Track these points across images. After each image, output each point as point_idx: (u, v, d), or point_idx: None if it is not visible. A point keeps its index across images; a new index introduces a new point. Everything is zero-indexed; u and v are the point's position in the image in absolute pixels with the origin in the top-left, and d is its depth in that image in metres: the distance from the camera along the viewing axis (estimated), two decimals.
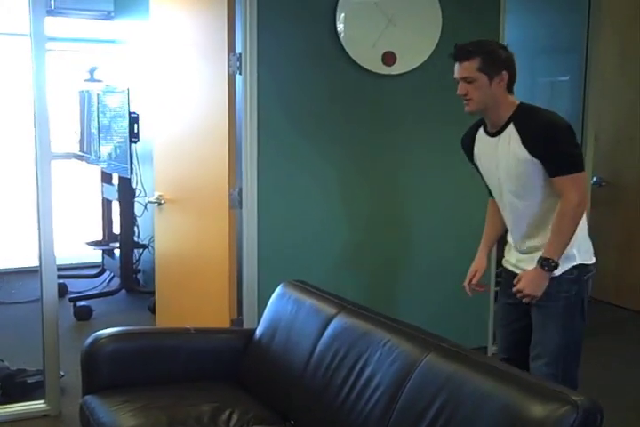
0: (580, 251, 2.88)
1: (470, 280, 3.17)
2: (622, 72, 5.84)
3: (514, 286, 2.90)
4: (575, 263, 2.86)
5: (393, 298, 4.26)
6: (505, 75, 2.83)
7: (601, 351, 4.81)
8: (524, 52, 5.97)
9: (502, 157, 2.88)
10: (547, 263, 2.78)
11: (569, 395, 1.95)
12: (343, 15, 3.99)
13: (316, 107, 4.06)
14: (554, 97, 6.02)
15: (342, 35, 4.00)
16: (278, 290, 3.20)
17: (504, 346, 3.18)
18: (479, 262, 3.19)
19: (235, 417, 2.77)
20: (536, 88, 6.26)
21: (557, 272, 2.83)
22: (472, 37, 4.29)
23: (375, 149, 4.23)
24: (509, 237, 3.08)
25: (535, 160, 2.78)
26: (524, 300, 2.85)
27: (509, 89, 2.87)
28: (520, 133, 2.80)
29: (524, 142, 2.78)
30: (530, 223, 2.91)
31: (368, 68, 4.09)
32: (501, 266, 3.16)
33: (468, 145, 3.09)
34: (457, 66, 2.86)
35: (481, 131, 3.01)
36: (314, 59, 4.02)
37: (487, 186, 3.11)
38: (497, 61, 2.83)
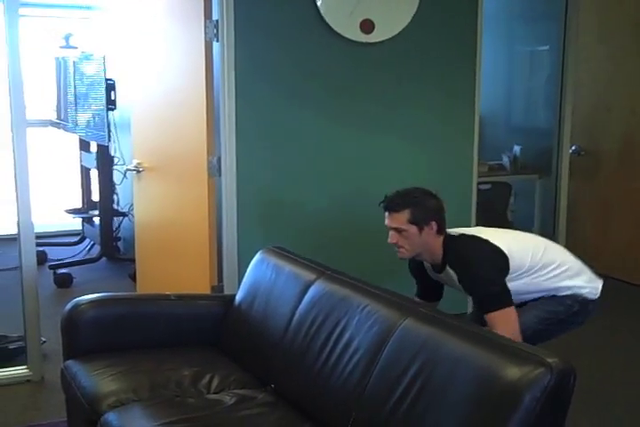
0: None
1: None
2: (601, 41, 5.84)
3: None
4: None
5: (372, 267, 4.28)
6: (434, 224, 2.89)
7: None
8: (504, 19, 5.98)
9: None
10: None
11: (543, 357, 1.97)
12: None
13: (294, 74, 4.05)
14: (533, 66, 6.03)
15: (320, 2, 3.98)
16: (257, 256, 3.22)
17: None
18: None
19: (215, 381, 2.80)
20: (515, 57, 6.26)
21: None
22: (450, 6, 4.34)
23: (353, 116, 4.23)
24: None
25: None
26: None
27: (440, 233, 2.94)
28: (456, 273, 2.92)
29: (459, 282, 2.93)
30: None
31: (346, 35, 4.07)
32: None
33: (417, 269, 3.19)
34: (387, 215, 2.93)
35: (427, 264, 3.11)
36: (291, 26, 4.00)
37: None
38: (426, 213, 2.89)
